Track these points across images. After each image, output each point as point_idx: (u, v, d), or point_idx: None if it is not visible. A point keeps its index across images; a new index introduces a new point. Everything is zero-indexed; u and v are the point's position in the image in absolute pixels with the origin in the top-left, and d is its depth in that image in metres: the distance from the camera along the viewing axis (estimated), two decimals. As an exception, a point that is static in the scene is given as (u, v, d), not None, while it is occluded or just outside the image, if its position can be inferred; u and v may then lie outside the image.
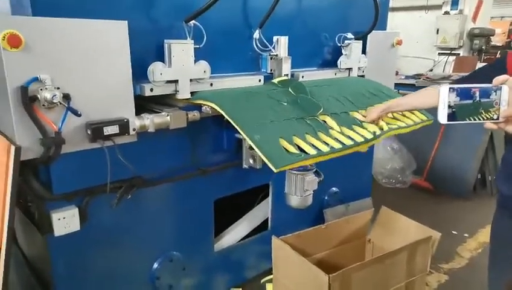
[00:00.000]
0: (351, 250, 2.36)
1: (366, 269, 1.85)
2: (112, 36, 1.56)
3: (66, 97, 1.46)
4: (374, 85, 2.42)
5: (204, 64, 1.87)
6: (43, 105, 1.42)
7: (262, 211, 2.56)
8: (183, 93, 1.83)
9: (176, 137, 1.90)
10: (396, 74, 5.25)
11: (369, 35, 2.65)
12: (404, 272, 2.03)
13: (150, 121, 1.70)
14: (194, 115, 1.86)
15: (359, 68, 2.69)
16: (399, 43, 2.88)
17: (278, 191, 2.40)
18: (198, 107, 1.89)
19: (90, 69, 1.53)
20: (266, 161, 1.51)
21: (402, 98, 2.01)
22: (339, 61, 2.57)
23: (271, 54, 2.20)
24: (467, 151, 3.95)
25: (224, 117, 1.75)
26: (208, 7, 1.77)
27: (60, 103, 1.43)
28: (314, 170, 2.10)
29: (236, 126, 1.66)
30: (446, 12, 6.47)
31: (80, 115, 1.49)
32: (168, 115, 1.75)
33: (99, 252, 1.83)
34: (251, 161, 2.12)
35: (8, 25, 1.32)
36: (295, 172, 2.04)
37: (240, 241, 2.45)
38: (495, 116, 1.02)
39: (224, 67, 2.09)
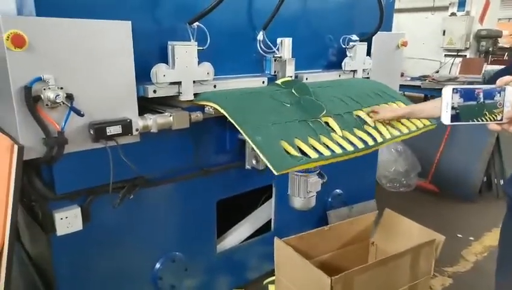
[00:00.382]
0: (354, 252, 2.35)
1: (369, 272, 1.84)
2: (116, 36, 1.56)
3: (69, 97, 1.46)
4: (378, 86, 2.41)
5: (207, 66, 1.87)
6: (47, 105, 1.43)
7: (265, 212, 2.55)
8: (187, 95, 1.83)
9: (179, 137, 1.90)
10: (402, 75, 5.23)
11: (374, 37, 2.64)
12: (407, 275, 2.02)
13: (153, 121, 1.71)
14: (197, 115, 1.86)
15: (364, 70, 2.68)
16: (404, 44, 2.87)
17: (281, 192, 2.39)
18: (201, 108, 1.89)
19: (94, 69, 1.53)
20: (267, 163, 1.51)
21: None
22: (343, 63, 2.56)
23: (275, 55, 2.20)
24: (473, 153, 3.92)
25: (227, 118, 1.75)
26: (212, 9, 1.77)
27: (63, 103, 1.44)
28: (318, 172, 2.09)
29: (238, 127, 1.66)
30: (453, 14, 6.44)
31: (82, 115, 1.50)
32: (171, 116, 1.75)
33: (101, 252, 1.83)
34: (254, 162, 2.12)
35: (12, 25, 1.33)
36: (298, 174, 2.04)
37: (242, 242, 2.45)
38: (499, 117, 1.02)
39: (228, 69, 2.09)
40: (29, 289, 2.15)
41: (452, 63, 6.41)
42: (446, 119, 1.02)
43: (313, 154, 1.63)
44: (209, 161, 2.09)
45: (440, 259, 2.36)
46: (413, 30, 6.27)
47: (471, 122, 1.02)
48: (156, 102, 1.88)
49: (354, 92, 2.21)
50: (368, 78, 2.72)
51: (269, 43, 2.15)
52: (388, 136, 1.94)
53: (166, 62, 1.77)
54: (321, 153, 1.66)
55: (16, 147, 1.38)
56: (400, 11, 6.80)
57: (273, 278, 2.21)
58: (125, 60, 1.61)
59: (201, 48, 1.83)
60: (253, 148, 1.92)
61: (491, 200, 3.94)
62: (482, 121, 1.02)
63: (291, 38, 2.18)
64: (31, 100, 1.39)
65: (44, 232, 1.69)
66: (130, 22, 1.58)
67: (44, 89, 1.41)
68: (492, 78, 1.54)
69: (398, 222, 2.37)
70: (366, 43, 2.63)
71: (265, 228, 2.55)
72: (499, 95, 1.00)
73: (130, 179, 1.77)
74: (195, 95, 1.87)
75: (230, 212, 2.44)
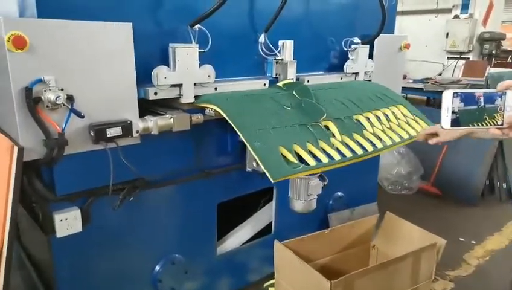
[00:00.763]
0: (354, 256, 2.33)
1: (370, 276, 1.83)
2: (117, 38, 1.56)
3: (70, 99, 1.46)
4: (379, 89, 2.40)
5: (208, 69, 1.87)
6: (47, 106, 1.43)
7: (266, 214, 2.54)
8: (187, 98, 1.83)
9: (180, 139, 1.90)
10: (404, 77, 5.22)
11: (376, 40, 2.63)
12: (408, 279, 2.00)
13: (154, 123, 1.71)
14: (198, 117, 1.86)
15: (366, 73, 2.67)
16: (407, 46, 2.86)
17: (282, 194, 2.39)
18: (202, 110, 1.89)
19: (94, 71, 1.54)
20: (265, 170, 1.50)
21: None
22: (345, 66, 2.55)
23: (276, 58, 2.19)
24: (475, 156, 3.90)
25: (227, 120, 1.75)
26: (213, 12, 1.77)
27: (64, 105, 1.44)
28: (319, 175, 2.08)
29: (237, 131, 1.65)
30: (456, 16, 6.42)
31: (83, 117, 1.50)
32: (171, 118, 1.75)
33: (101, 253, 1.83)
34: (254, 164, 2.12)
35: (14, 26, 1.33)
36: (299, 176, 2.03)
37: (243, 244, 2.44)
38: (499, 122, 1.01)
39: (229, 72, 2.08)
40: (29, 290, 2.15)
41: (455, 66, 6.39)
42: (446, 124, 1.02)
43: (311, 162, 1.63)
44: (210, 163, 2.09)
45: (442, 263, 2.34)
46: (416, 32, 6.26)
47: (471, 127, 1.02)
48: (156, 104, 1.88)
49: (355, 95, 2.20)
50: (369, 80, 2.71)
51: (271, 45, 2.15)
52: (388, 142, 1.93)
53: (168, 64, 1.77)
54: (319, 160, 1.65)
55: (16, 148, 1.39)
56: (403, 13, 6.79)
57: (273, 281, 2.20)
58: (126, 62, 1.61)
59: (202, 50, 1.83)
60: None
61: (494, 204, 3.92)
62: (483, 125, 1.01)
63: (292, 41, 2.17)
64: (32, 101, 1.39)
65: (44, 233, 1.69)
66: (131, 23, 1.58)
67: (44, 91, 1.41)
68: None
69: (399, 226, 2.36)
70: (368, 45, 2.62)
71: (266, 230, 2.55)
72: (499, 99, 1.00)
73: (130, 181, 1.77)
74: (196, 97, 1.87)
75: (231, 215, 2.44)
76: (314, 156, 1.67)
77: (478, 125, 1.01)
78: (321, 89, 2.17)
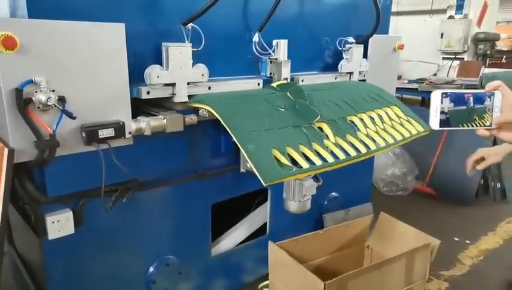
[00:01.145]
0: (349, 256, 2.34)
1: (363, 276, 1.83)
2: (109, 39, 1.55)
3: (61, 100, 1.45)
4: (373, 89, 2.40)
5: (202, 68, 1.86)
6: (38, 107, 1.41)
7: (261, 215, 2.54)
8: (181, 97, 1.82)
9: (173, 140, 1.88)
10: (399, 78, 5.24)
11: (370, 40, 2.63)
12: (402, 279, 2.01)
13: (146, 124, 1.69)
14: (191, 118, 1.85)
15: (360, 72, 2.67)
16: (401, 47, 2.86)
17: (277, 195, 2.38)
18: (196, 111, 1.88)
19: (86, 72, 1.52)
20: (257, 173, 1.50)
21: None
22: (339, 65, 2.55)
23: (270, 57, 2.19)
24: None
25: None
26: (206, 10, 1.76)
27: (55, 106, 1.42)
28: (313, 175, 2.08)
29: (230, 133, 1.64)
30: (451, 17, 6.46)
31: (74, 118, 1.48)
32: (164, 119, 1.74)
33: (94, 255, 1.82)
34: (248, 165, 2.10)
35: (4, 27, 1.32)
36: (293, 177, 2.03)
37: (237, 245, 2.44)
38: (488, 123, 1.01)
39: (223, 71, 2.08)
40: (21, 293, 2.14)
41: (450, 66, 6.43)
42: (435, 124, 1.02)
43: (304, 164, 1.62)
44: (204, 164, 2.08)
45: (436, 263, 2.35)
46: (411, 33, 6.29)
47: (460, 128, 1.02)
48: (150, 104, 1.87)
49: (349, 95, 2.20)
50: (364, 80, 2.71)
51: (265, 44, 2.14)
52: (382, 144, 1.93)
53: (161, 63, 1.76)
54: (313, 163, 1.65)
55: (6, 149, 1.37)
56: (399, 14, 6.81)
57: (268, 282, 2.20)
58: (119, 63, 1.59)
59: (195, 50, 1.82)
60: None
61: (488, 204, 3.94)
62: (472, 126, 1.01)
63: (287, 40, 2.16)
64: (22, 103, 1.37)
65: (36, 235, 1.68)
66: (123, 24, 1.57)
67: (35, 92, 1.40)
68: None
69: (394, 226, 2.37)
70: (363, 45, 2.62)
71: (261, 231, 2.54)
72: (488, 99, 1.00)
73: (123, 182, 1.75)
74: (190, 96, 1.86)
75: (226, 216, 2.43)
76: (307, 159, 1.67)
77: (468, 126, 1.01)
78: (315, 90, 2.17)
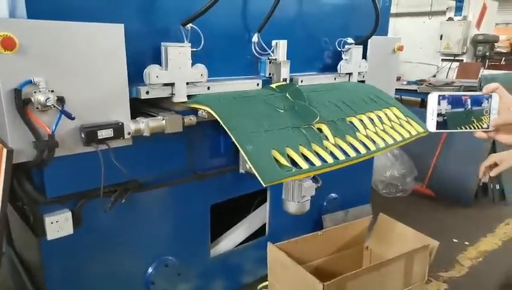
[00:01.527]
0: (348, 257, 2.33)
1: (362, 277, 1.83)
2: (108, 39, 1.55)
3: (60, 100, 1.45)
4: (372, 90, 2.40)
5: (201, 68, 1.86)
6: (37, 108, 1.41)
7: (260, 216, 2.54)
8: (180, 97, 1.82)
9: (172, 141, 1.88)
10: (399, 79, 5.25)
11: (369, 41, 2.64)
12: (401, 280, 2.01)
13: (145, 125, 1.69)
14: (191, 119, 1.85)
15: (359, 73, 2.67)
16: (400, 48, 2.86)
17: (276, 196, 2.38)
18: (195, 112, 1.88)
19: (85, 72, 1.52)
20: (256, 174, 1.49)
21: None
22: (338, 66, 2.55)
23: (270, 58, 2.19)
24: (469, 157, 3.91)
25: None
26: (206, 10, 1.76)
27: (54, 106, 1.42)
28: (312, 176, 2.08)
29: (230, 134, 1.64)
30: (450, 19, 6.47)
31: (73, 118, 1.48)
32: (163, 119, 1.74)
33: (93, 256, 1.81)
34: (248, 166, 2.10)
35: (3, 27, 1.32)
36: (292, 178, 2.03)
37: (236, 246, 2.43)
38: (485, 125, 1.01)
39: (222, 71, 2.07)
40: (20, 293, 2.13)
41: (449, 68, 6.43)
42: (431, 127, 1.02)
43: (304, 165, 1.62)
44: (203, 165, 2.08)
45: (435, 264, 2.35)
46: (411, 34, 6.30)
47: (458, 130, 1.01)
48: (149, 105, 1.87)
49: (348, 96, 2.20)
50: (363, 81, 2.71)
51: (264, 45, 2.14)
52: (382, 144, 1.93)
53: (160, 64, 1.75)
54: (312, 163, 1.65)
55: (5, 150, 1.37)
56: (398, 15, 6.82)
57: (267, 283, 2.20)
58: (118, 63, 1.60)
59: (194, 50, 1.82)
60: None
61: (487, 205, 3.94)
62: (469, 128, 1.01)
63: (286, 41, 2.16)
64: (21, 103, 1.37)
65: (35, 236, 1.68)
66: (122, 25, 1.57)
67: (34, 92, 1.40)
68: None
69: (393, 227, 2.37)
70: (362, 46, 2.62)
71: (260, 232, 2.54)
72: (486, 101, 1.00)
73: (122, 183, 1.75)
74: (189, 96, 1.86)
75: (225, 216, 2.43)
76: (307, 159, 1.67)
77: (465, 128, 1.01)
78: (314, 91, 2.17)
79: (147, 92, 1.72)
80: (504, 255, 3.04)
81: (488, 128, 1.01)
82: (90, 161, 1.58)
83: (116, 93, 1.62)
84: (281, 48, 2.16)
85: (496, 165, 1.85)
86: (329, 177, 2.26)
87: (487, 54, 6.35)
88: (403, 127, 2.12)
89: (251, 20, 2.11)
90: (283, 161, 1.60)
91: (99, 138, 1.55)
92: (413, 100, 5.57)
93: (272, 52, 2.17)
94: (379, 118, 2.12)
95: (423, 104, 5.66)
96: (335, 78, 2.56)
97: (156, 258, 2.03)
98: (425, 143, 3.87)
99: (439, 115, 1.00)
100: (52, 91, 1.43)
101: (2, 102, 1.36)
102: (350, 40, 2.56)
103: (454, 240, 3.22)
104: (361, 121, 2.04)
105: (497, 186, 4.01)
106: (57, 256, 1.71)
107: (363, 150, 1.84)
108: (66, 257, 1.73)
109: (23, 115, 1.39)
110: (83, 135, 1.52)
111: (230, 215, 2.52)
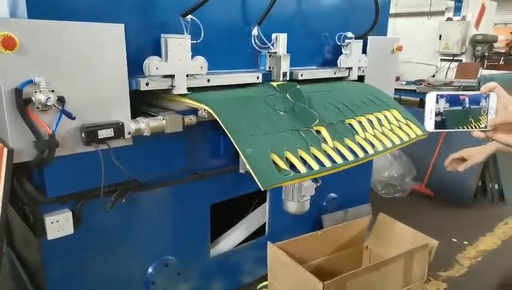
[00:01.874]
0: (348, 257, 2.34)
1: (362, 277, 1.84)
2: (108, 39, 1.55)
3: (61, 100, 1.45)
4: (372, 91, 2.40)
5: (201, 60, 1.84)
6: (37, 108, 1.41)
7: (260, 216, 2.54)
8: (180, 89, 1.79)
9: (172, 141, 1.89)
10: (398, 79, 5.26)
11: (369, 41, 2.63)
12: (400, 279, 2.01)
13: (146, 124, 1.69)
14: (191, 119, 1.85)
15: (359, 68, 2.64)
16: (399, 49, 2.86)
17: (276, 196, 2.39)
18: (195, 111, 1.88)
19: (86, 72, 1.52)
20: (255, 177, 1.50)
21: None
22: (338, 61, 2.52)
23: (270, 51, 2.17)
24: (468, 158, 3.92)
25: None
26: (205, 1, 1.74)
27: (54, 106, 1.42)
28: (312, 176, 2.08)
29: (229, 135, 1.64)
30: (449, 19, 6.48)
31: (74, 118, 1.48)
32: (163, 119, 1.74)
33: (93, 256, 1.82)
34: (248, 166, 2.11)
35: (4, 27, 1.32)
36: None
37: (236, 246, 2.44)
38: (483, 125, 1.01)
39: (222, 64, 2.06)
40: (20, 293, 2.13)
41: (448, 68, 6.44)
42: (429, 126, 1.02)
43: (302, 169, 1.62)
44: (203, 165, 2.08)
45: (434, 263, 2.35)
46: (410, 35, 6.31)
47: (455, 130, 1.01)
48: (149, 104, 1.87)
49: (348, 98, 2.19)
50: (363, 76, 2.69)
51: (264, 38, 2.13)
52: (380, 147, 1.93)
53: (160, 55, 1.74)
54: (310, 167, 1.65)
55: (5, 150, 1.37)
56: (397, 15, 6.83)
57: (267, 282, 2.20)
58: (118, 63, 1.60)
59: (194, 42, 1.80)
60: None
61: (486, 205, 3.95)
62: (467, 128, 1.01)
63: (286, 34, 2.15)
64: (22, 103, 1.37)
65: (35, 236, 1.68)
66: (122, 24, 1.57)
67: (35, 92, 1.40)
68: None
69: (392, 227, 2.37)
70: (362, 40, 2.59)
71: (260, 231, 2.54)
72: (484, 101, 1.00)
73: (122, 183, 1.75)
74: (189, 89, 1.83)
75: (225, 216, 2.43)
76: (305, 163, 1.67)
77: (463, 128, 1.01)
78: (314, 92, 2.16)
79: (147, 84, 1.70)
80: (503, 255, 3.05)
81: (486, 127, 1.01)
82: (90, 161, 1.58)
83: (117, 93, 1.62)
84: (281, 42, 2.14)
85: (464, 160, 1.87)
86: (329, 177, 2.25)
87: (486, 54, 6.37)
88: (402, 129, 2.12)
89: (251, 13, 2.10)
90: (282, 164, 1.60)
91: (99, 137, 1.55)
92: (412, 100, 5.58)
93: (272, 45, 2.16)
94: (378, 120, 2.12)
95: (422, 104, 5.67)
96: (335, 73, 2.54)
97: (156, 258, 2.03)
98: (424, 143, 3.85)
99: (437, 114, 1.00)
100: (53, 91, 1.43)
101: (3, 102, 1.37)
102: (350, 34, 2.53)
103: (453, 239, 3.23)
104: (360, 123, 2.03)
105: (496, 186, 4.02)
106: (57, 256, 1.71)
107: (361, 154, 1.84)
108: (66, 257, 1.73)
109: (24, 114, 1.39)
110: (83, 135, 1.53)
111: (230, 215, 2.52)
